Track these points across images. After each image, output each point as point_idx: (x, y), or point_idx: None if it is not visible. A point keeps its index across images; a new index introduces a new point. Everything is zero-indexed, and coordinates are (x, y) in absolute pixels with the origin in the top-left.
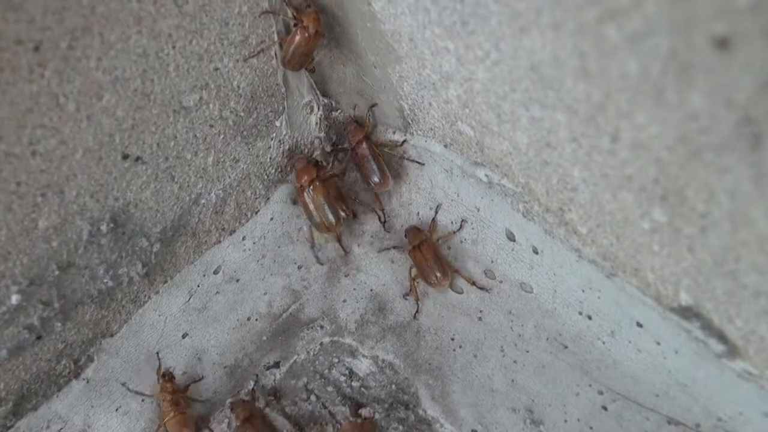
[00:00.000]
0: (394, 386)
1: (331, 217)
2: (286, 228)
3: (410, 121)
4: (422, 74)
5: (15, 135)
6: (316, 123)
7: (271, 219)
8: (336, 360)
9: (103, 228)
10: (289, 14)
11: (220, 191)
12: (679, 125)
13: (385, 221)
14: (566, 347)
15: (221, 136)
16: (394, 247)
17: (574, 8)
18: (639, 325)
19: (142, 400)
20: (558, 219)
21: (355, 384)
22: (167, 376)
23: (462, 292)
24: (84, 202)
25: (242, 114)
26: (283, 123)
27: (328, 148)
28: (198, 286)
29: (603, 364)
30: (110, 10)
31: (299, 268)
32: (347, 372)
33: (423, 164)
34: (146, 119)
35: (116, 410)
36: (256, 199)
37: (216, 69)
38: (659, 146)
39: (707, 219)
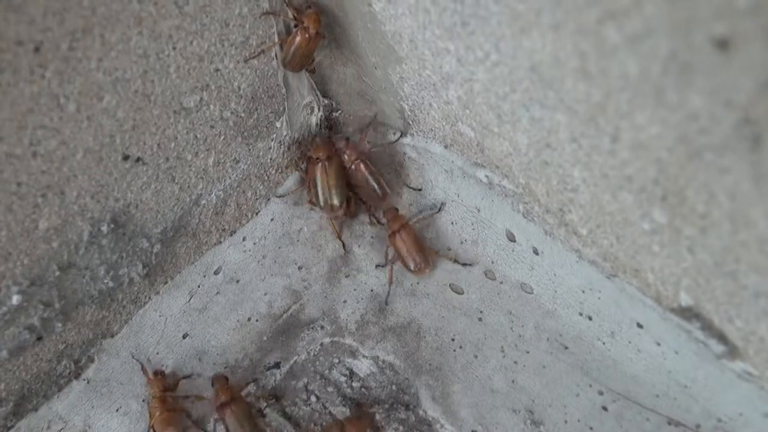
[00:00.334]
0: (394, 387)
1: (336, 199)
2: (287, 229)
3: (411, 122)
4: (423, 75)
5: (16, 136)
6: (317, 124)
7: (272, 220)
8: (336, 360)
9: (104, 229)
10: (290, 15)
11: (221, 192)
12: (679, 125)
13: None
14: (566, 348)
15: (222, 137)
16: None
17: (574, 9)
18: (639, 325)
19: (143, 401)
20: (558, 220)
21: (355, 384)
22: (158, 375)
23: (462, 293)
24: (85, 203)
25: (243, 115)
26: (284, 124)
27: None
28: (198, 286)
29: (603, 365)
30: (111, 11)
31: (300, 268)
32: (348, 372)
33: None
34: (147, 120)
35: (116, 410)
36: (257, 199)
37: (216, 70)
38: (659, 147)
39: (707, 220)
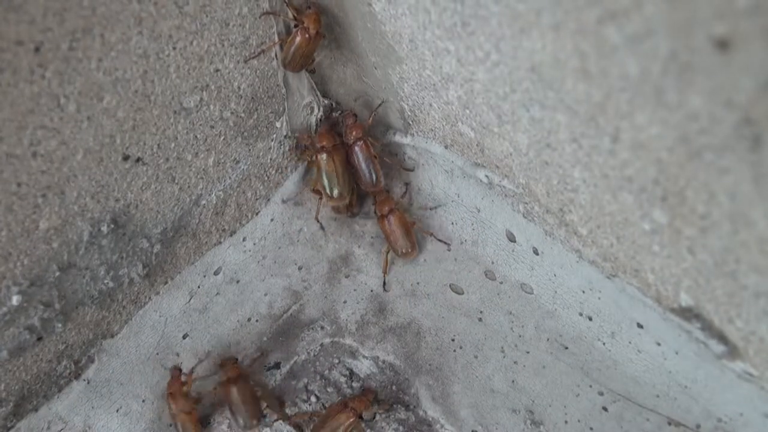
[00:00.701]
0: (394, 387)
1: (342, 188)
2: (287, 229)
3: (411, 122)
4: (423, 75)
5: (16, 136)
6: (317, 124)
7: (272, 220)
8: (336, 361)
9: (104, 229)
10: (290, 15)
11: (221, 192)
12: (679, 126)
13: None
14: (567, 348)
15: (222, 137)
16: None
17: (574, 9)
18: (639, 326)
19: (143, 401)
20: (558, 220)
21: (355, 385)
22: (176, 372)
23: (462, 293)
24: (85, 203)
25: (243, 115)
26: (284, 124)
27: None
28: (198, 287)
29: (603, 365)
30: (111, 11)
31: (300, 268)
32: (348, 373)
33: (412, 170)
34: (147, 120)
35: (117, 411)
36: (257, 200)
37: (217, 70)
38: (659, 147)
39: (707, 220)
